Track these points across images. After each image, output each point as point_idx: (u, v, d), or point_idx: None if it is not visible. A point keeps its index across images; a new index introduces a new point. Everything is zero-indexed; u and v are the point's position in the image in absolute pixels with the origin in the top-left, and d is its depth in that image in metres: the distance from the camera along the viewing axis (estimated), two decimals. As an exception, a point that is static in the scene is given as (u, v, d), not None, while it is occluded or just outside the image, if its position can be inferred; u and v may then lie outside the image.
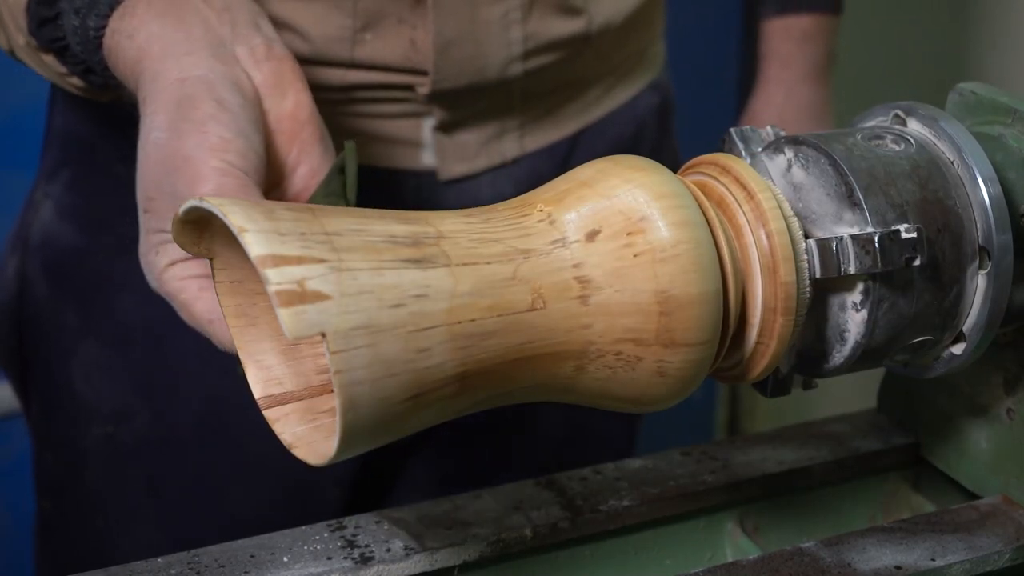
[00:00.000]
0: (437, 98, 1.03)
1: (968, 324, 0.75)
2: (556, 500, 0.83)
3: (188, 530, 1.09)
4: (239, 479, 1.11)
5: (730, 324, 0.69)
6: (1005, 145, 0.77)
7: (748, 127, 0.77)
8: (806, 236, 0.72)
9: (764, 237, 0.69)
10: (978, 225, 0.73)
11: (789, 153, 0.73)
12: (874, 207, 0.70)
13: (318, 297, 0.59)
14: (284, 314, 0.58)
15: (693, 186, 0.70)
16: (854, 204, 0.71)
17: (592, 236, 0.66)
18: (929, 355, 0.77)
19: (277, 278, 0.58)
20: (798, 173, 0.73)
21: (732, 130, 0.76)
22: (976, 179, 0.73)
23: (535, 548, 0.81)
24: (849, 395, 1.32)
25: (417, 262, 0.62)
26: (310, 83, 0.99)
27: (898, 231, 0.70)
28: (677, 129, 1.26)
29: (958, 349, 0.76)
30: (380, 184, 1.03)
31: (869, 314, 0.71)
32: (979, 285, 0.74)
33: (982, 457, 0.85)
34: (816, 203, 0.72)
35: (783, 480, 0.88)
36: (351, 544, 0.78)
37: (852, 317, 0.72)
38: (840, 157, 0.72)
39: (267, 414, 0.67)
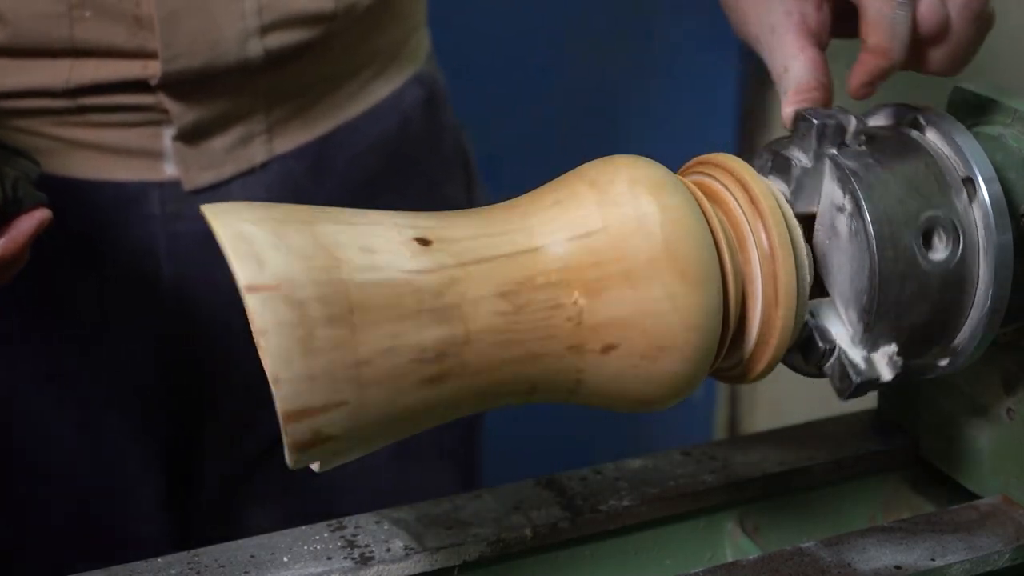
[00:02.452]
0: (171, 87, 0.97)
1: (967, 327, 0.75)
2: (556, 500, 0.83)
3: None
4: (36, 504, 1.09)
5: (730, 324, 0.69)
6: (1005, 145, 0.77)
7: (831, 113, 0.72)
8: (817, 280, 0.72)
9: (764, 237, 0.69)
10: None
11: (849, 198, 0.71)
12: (879, 331, 0.71)
13: (329, 440, 0.61)
14: (289, 453, 0.61)
15: (693, 186, 0.70)
16: (861, 315, 0.71)
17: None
18: (927, 358, 0.77)
19: (296, 432, 0.60)
20: (840, 219, 0.71)
21: (812, 116, 0.72)
22: (976, 179, 0.73)
23: (535, 548, 0.81)
24: (849, 395, 1.31)
25: (432, 382, 0.63)
26: (32, 92, 0.95)
27: (878, 377, 0.71)
28: (676, 129, 1.24)
29: (956, 353, 0.76)
30: (123, 199, 1.00)
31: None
32: (978, 291, 0.74)
33: (982, 457, 0.85)
34: (838, 260, 0.72)
35: (783, 480, 0.88)
36: (351, 544, 0.78)
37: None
38: (881, 266, 0.70)
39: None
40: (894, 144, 0.74)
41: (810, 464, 0.89)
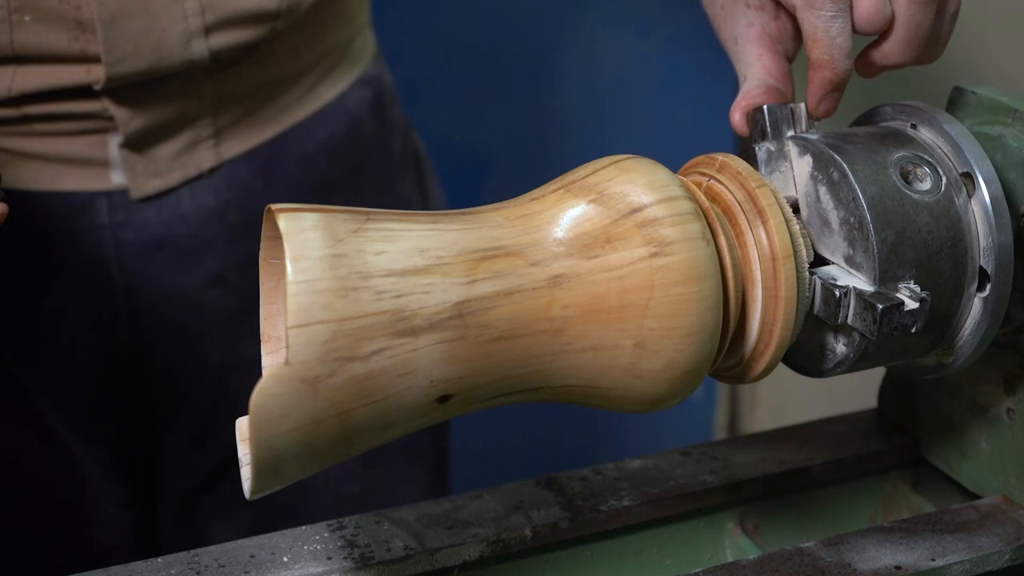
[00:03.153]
0: (116, 93, 0.96)
1: (967, 327, 0.75)
2: (556, 500, 0.83)
3: None
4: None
5: (730, 324, 0.69)
6: (1005, 145, 0.77)
7: (783, 105, 0.75)
8: (815, 262, 0.71)
9: (764, 237, 0.69)
10: (980, 245, 0.73)
11: (819, 161, 0.72)
12: (887, 264, 0.70)
13: None
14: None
15: (693, 186, 0.70)
16: (866, 254, 0.70)
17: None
18: (928, 357, 0.77)
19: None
20: (822, 183, 0.72)
21: (765, 107, 0.75)
22: (976, 179, 0.73)
23: (535, 548, 0.81)
24: (849, 395, 1.32)
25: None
26: None
27: (902, 304, 0.69)
28: (670, 130, 1.24)
29: (956, 353, 0.76)
30: (71, 209, 0.99)
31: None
32: (976, 300, 0.74)
33: (982, 457, 0.85)
34: (831, 220, 0.72)
35: (783, 480, 0.88)
36: (351, 544, 0.78)
37: (843, 340, 0.72)
38: (868, 201, 0.70)
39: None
40: (855, 127, 0.76)
41: (810, 464, 0.89)
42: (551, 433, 1.83)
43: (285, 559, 0.77)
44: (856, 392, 1.17)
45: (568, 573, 0.83)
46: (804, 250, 0.71)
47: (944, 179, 0.73)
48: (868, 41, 0.76)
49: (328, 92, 1.10)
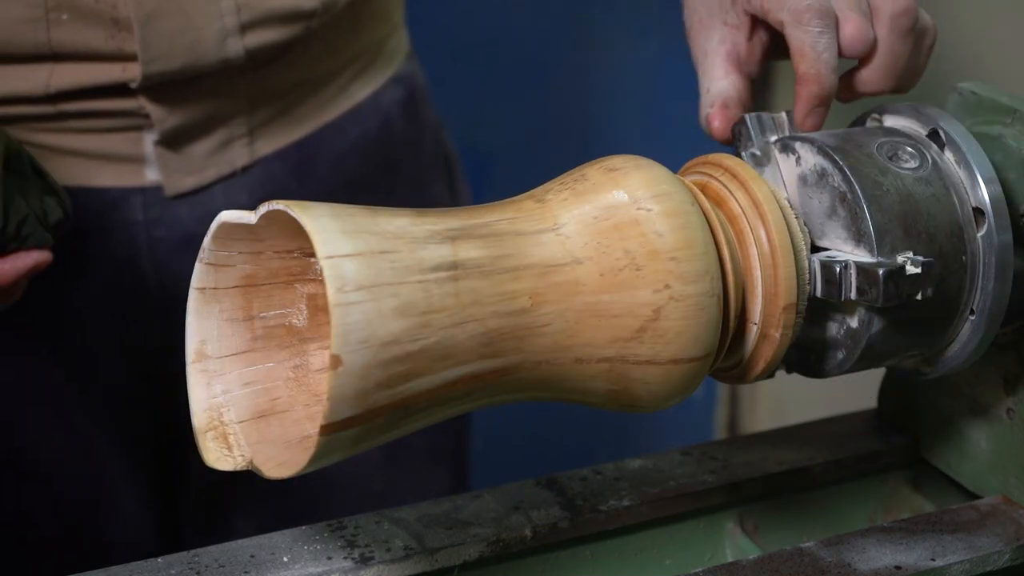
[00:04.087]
0: (152, 91, 0.97)
1: (967, 326, 0.75)
2: (556, 500, 0.83)
3: None
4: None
5: (730, 324, 0.69)
6: (1005, 145, 0.77)
7: (764, 113, 0.76)
8: (814, 247, 0.71)
9: (764, 237, 0.69)
10: (971, 203, 0.73)
11: (804, 156, 0.73)
12: (883, 234, 0.70)
13: None
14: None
15: (693, 186, 0.70)
16: (862, 232, 0.70)
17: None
18: (928, 357, 0.77)
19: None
20: (810, 176, 0.72)
21: (747, 116, 0.76)
22: (976, 179, 0.73)
23: (535, 548, 0.81)
24: (849, 395, 1.32)
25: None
26: (11, 98, 0.94)
27: (903, 267, 0.69)
28: (670, 129, 1.24)
29: (956, 351, 0.76)
30: (105, 205, 1.00)
31: (865, 329, 0.71)
32: (978, 295, 0.74)
33: (982, 457, 0.85)
34: (825, 211, 0.72)
35: (783, 480, 0.88)
36: (351, 544, 0.78)
37: (848, 330, 0.72)
38: (856, 178, 0.70)
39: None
40: (852, 128, 0.77)
41: (810, 464, 0.89)
42: (551, 433, 1.83)
43: (285, 559, 0.77)
44: (856, 392, 1.17)
45: (568, 573, 0.83)
46: (804, 247, 0.71)
47: (930, 157, 0.73)
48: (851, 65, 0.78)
49: (362, 91, 1.11)
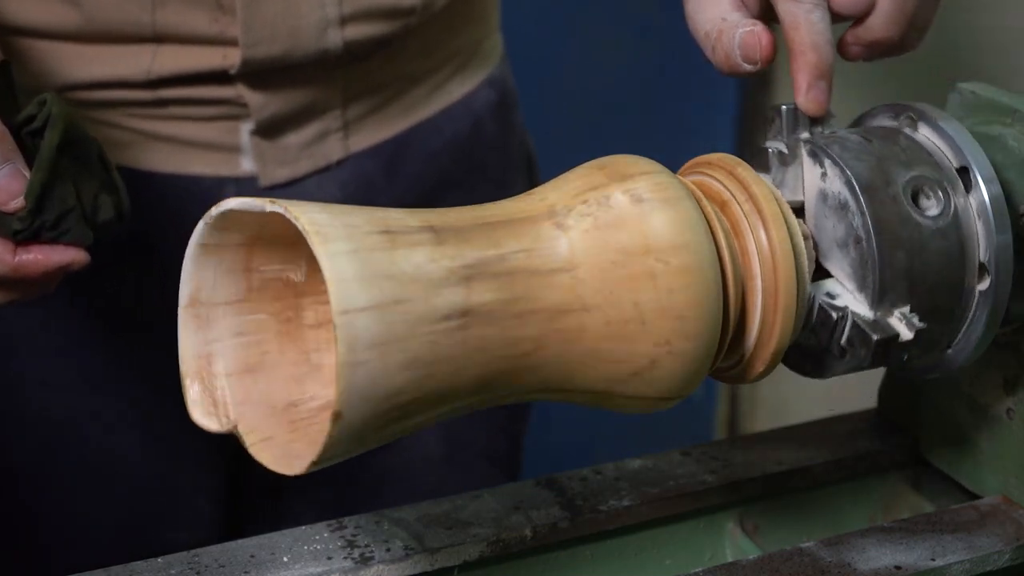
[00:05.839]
0: (251, 78, 0.97)
1: (967, 325, 0.75)
2: (556, 500, 0.83)
3: (45, 555, 1.07)
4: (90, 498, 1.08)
5: (730, 324, 0.69)
6: (1005, 145, 0.77)
7: (797, 105, 0.73)
8: (817, 264, 0.72)
9: (764, 237, 0.69)
10: (981, 245, 0.73)
11: (831, 176, 0.71)
12: (887, 291, 0.70)
13: None
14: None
15: (693, 186, 0.70)
16: (866, 282, 0.70)
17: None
18: (928, 358, 0.77)
19: None
20: (831, 199, 0.72)
21: (782, 106, 0.73)
22: (976, 179, 0.73)
23: (535, 548, 0.81)
24: (849, 395, 1.32)
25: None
26: (113, 83, 0.94)
27: (897, 336, 0.69)
28: (670, 130, 1.24)
29: (956, 351, 0.76)
30: (199, 193, 1.00)
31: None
32: (977, 293, 0.74)
33: (982, 457, 0.85)
34: (837, 239, 0.72)
35: (783, 480, 0.88)
36: (351, 544, 0.78)
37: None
38: (876, 227, 0.70)
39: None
40: (872, 129, 0.76)
41: (810, 464, 0.89)
42: (551, 433, 1.83)
43: (285, 559, 0.77)
44: (856, 392, 1.17)
45: (568, 573, 0.83)
46: (804, 249, 0.71)
47: (953, 203, 0.72)
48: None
49: (456, 91, 1.11)
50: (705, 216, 0.68)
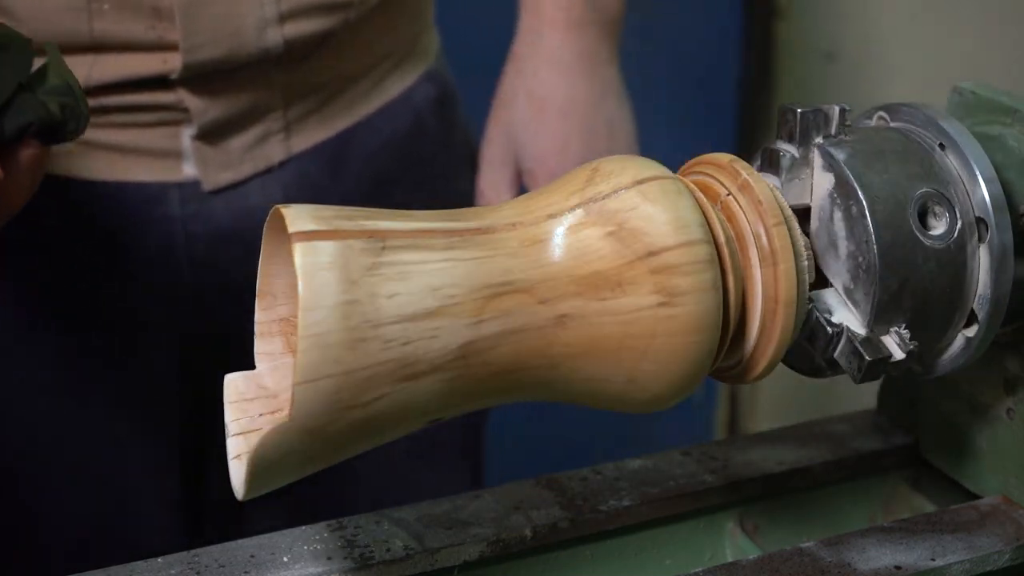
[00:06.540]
0: (191, 83, 0.98)
1: (967, 328, 0.75)
2: (556, 500, 0.83)
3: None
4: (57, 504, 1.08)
5: (730, 323, 0.69)
6: (1005, 145, 0.77)
7: (816, 110, 0.72)
8: (817, 271, 0.72)
9: (764, 237, 0.69)
10: (978, 292, 0.73)
11: (842, 188, 0.71)
12: (883, 312, 0.70)
13: None
14: None
15: (693, 186, 0.70)
16: (864, 302, 0.70)
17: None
18: (927, 357, 0.77)
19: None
20: (839, 210, 0.72)
21: (799, 111, 0.72)
22: (976, 179, 0.73)
23: (535, 548, 0.81)
24: (849, 395, 1.32)
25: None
26: None
27: (889, 356, 0.70)
28: (676, 129, 1.24)
29: (956, 350, 0.76)
30: (144, 200, 1.00)
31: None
32: (978, 290, 0.74)
33: (982, 457, 0.85)
34: (840, 251, 0.72)
35: (783, 480, 0.88)
36: (351, 544, 0.78)
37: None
38: (881, 248, 0.70)
39: None
40: (884, 134, 0.75)
41: (810, 464, 0.89)
42: (551, 433, 1.83)
43: (285, 559, 0.77)
44: (856, 392, 1.17)
45: (568, 573, 0.83)
46: (804, 250, 0.71)
47: (960, 222, 0.72)
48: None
49: (395, 87, 1.12)
50: (705, 216, 0.68)
